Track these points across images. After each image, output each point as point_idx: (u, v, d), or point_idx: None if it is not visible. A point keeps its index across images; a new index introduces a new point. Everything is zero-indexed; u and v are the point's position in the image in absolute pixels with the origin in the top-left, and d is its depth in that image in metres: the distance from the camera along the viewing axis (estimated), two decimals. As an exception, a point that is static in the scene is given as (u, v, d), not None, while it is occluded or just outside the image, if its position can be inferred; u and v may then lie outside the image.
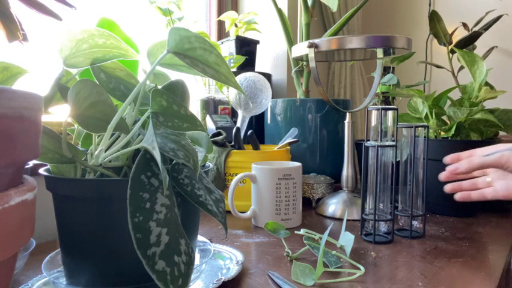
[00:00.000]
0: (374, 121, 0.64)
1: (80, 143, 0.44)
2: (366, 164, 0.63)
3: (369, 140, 0.63)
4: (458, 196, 0.62)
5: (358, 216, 0.73)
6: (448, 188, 0.63)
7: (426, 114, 0.84)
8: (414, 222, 0.65)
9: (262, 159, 0.76)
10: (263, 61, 1.38)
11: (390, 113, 0.63)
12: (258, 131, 1.03)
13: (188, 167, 0.37)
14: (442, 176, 0.62)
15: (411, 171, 0.66)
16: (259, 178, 0.68)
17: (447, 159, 0.62)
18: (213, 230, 0.66)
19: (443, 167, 0.61)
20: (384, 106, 0.63)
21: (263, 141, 1.02)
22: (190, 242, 0.35)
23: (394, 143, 0.62)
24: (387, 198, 0.63)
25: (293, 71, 1.05)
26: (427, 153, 0.65)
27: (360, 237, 0.63)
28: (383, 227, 0.64)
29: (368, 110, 0.64)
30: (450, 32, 1.03)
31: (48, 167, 0.40)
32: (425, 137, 0.65)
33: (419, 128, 0.65)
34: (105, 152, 0.38)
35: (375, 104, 1.12)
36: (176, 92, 0.43)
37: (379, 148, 0.61)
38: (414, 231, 0.65)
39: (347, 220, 0.71)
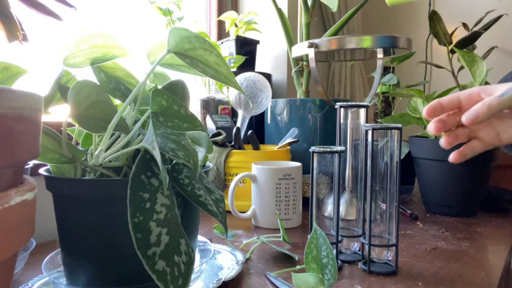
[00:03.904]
0: (341, 120, 0.56)
1: (80, 143, 0.44)
2: (312, 175, 0.53)
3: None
4: (453, 158, 0.50)
5: (357, 216, 0.73)
6: (443, 142, 0.49)
7: (426, 114, 0.83)
8: (386, 252, 0.50)
9: (262, 159, 0.76)
10: (263, 61, 1.38)
11: (361, 112, 0.53)
12: (258, 131, 1.03)
13: (188, 167, 0.37)
14: (435, 131, 0.48)
15: (382, 184, 0.51)
16: (259, 178, 0.68)
17: (426, 111, 0.47)
18: (213, 230, 0.66)
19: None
20: (345, 103, 0.54)
21: (263, 141, 1.02)
22: (190, 242, 0.35)
23: (339, 149, 0.51)
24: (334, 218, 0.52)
25: (293, 71, 1.05)
26: (400, 164, 0.49)
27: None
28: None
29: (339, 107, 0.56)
30: (450, 32, 1.02)
31: (48, 167, 0.40)
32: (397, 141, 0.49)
33: (394, 131, 0.48)
34: (105, 152, 0.38)
35: (376, 104, 1.12)
36: (176, 92, 0.43)
37: (319, 154, 0.50)
38: (383, 262, 0.49)
39: (346, 220, 0.69)
